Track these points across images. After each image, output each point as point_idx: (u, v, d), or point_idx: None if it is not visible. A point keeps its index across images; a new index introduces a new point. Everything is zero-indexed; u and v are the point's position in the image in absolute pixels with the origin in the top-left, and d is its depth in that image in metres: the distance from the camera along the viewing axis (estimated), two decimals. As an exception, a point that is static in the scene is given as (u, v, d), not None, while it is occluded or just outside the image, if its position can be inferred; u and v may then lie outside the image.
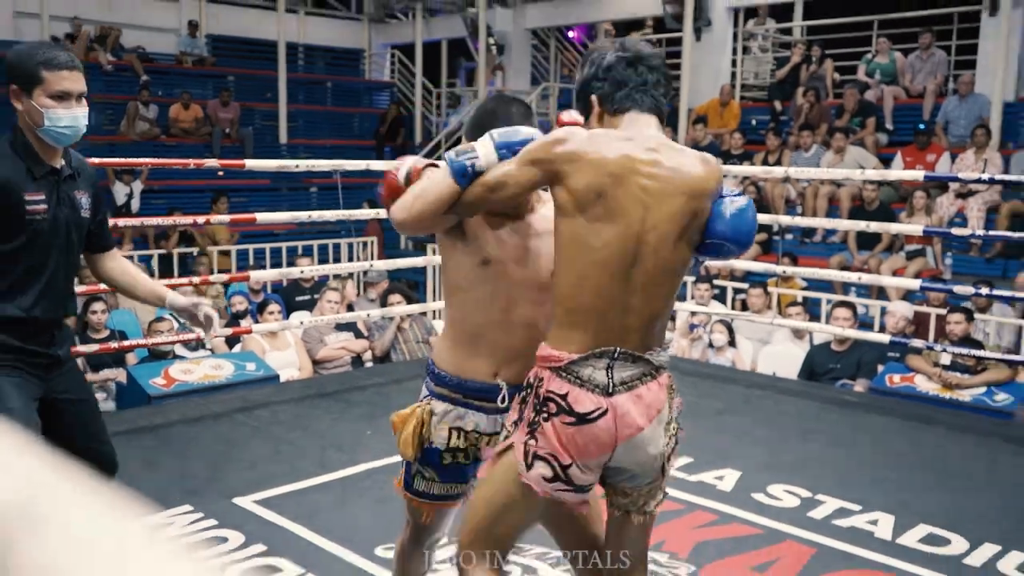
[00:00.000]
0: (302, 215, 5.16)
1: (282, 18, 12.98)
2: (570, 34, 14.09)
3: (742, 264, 6.34)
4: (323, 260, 8.41)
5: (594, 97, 1.85)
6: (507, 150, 1.78)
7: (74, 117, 2.30)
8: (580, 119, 1.91)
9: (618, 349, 1.73)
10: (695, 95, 10.58)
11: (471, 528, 1.85)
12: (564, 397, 1.70)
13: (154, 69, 11.99)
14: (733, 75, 10.89)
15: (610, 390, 1.71)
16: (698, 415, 4.33)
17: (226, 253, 8.24)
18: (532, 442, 1.72)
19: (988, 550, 2.94)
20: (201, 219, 4.83)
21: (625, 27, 12.86)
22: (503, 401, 1.90)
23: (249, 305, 5.95)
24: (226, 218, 4.45)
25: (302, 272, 5.81)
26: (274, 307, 5.77)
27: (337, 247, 8.85)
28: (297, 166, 5.29)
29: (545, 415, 1.71)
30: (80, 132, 2.33)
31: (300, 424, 4.12)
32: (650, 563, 2.80)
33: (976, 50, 9.08)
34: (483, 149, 1.79)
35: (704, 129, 9.91)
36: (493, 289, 1.88)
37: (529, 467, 1.73)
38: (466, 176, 1.78)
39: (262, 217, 4.89)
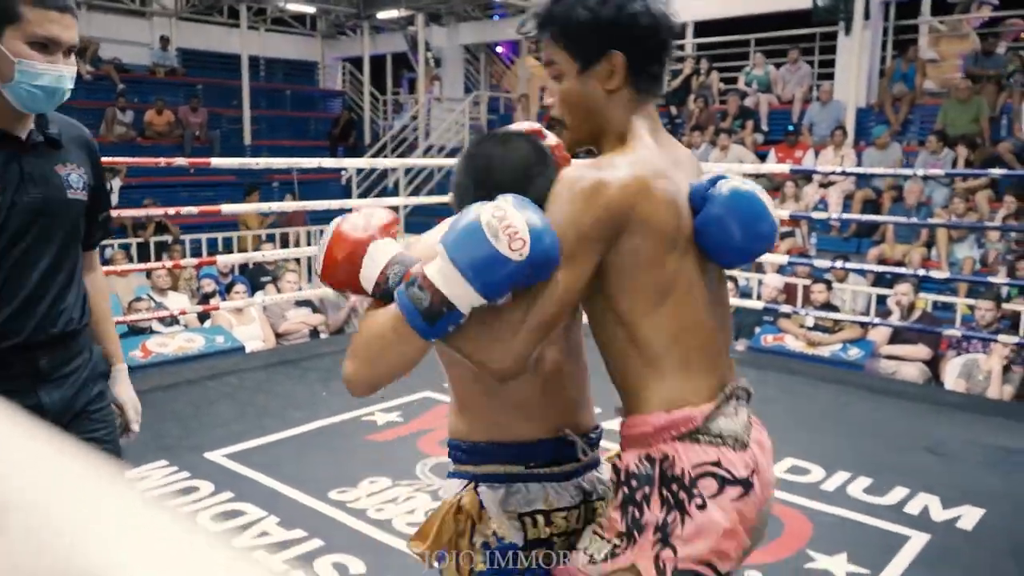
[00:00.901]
0: (263, 206, 5.03)
1: (245, 34, 12.64)
2: (498, 49, 14.00)
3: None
4: (284, 246, 8.24)
5: (620, 55, 1.12)
6: (476, 274, 1.00)
7: (58, 75, 1.42)
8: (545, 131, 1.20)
9: (736, 385, 1.18)
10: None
11: None
12: (718, 465, 1.09)
13: (130, 79, 11.56)
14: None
15: (747, 441, 1.13)
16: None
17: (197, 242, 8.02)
18: (669, 553, 1.06)
19: (840, 477, 3.05)
20: (172, 210, 4.69)
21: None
22: (585, 454, 1.24)
23: (218, 286, 5.81)
24: (195, 210, 4.32)
25: (264, 256, 5.69)
26: (240, 287, 5.64)
27: (297, 234, 8.68)
28: (258, 164, 5.16)
29: (699, 502, 1.06)
30: (62, 96, 1.46)
31: (264, 388, 4.05)
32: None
33: (834, 63, 9.29)
34: (441, 277, 1.02)
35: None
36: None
37: None
38: (428, 319, 1.03)
39: (227, 208, 4.77)
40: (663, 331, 1.12)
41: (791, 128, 8.76)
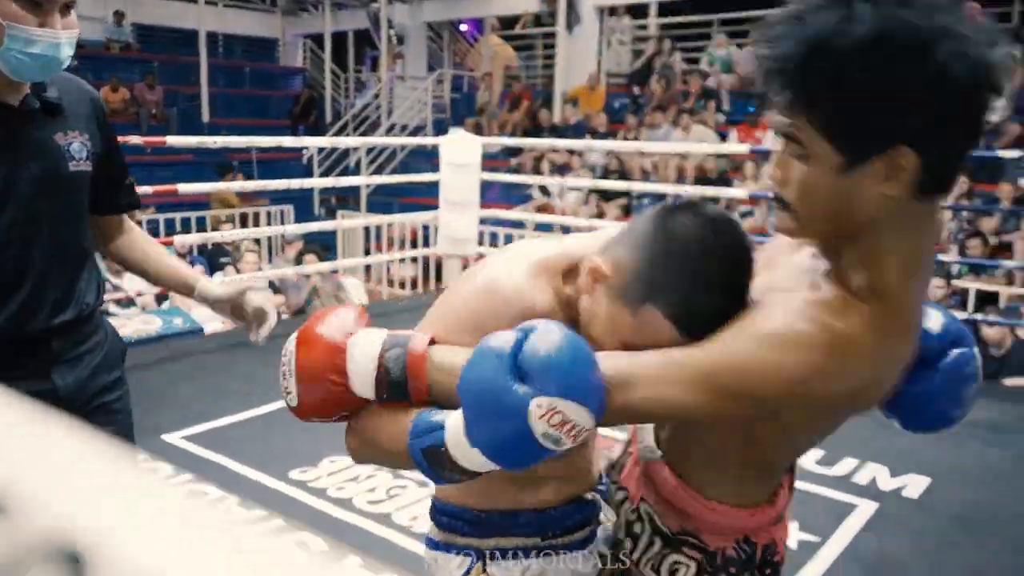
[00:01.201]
0: (220, 186, 4.98)
1: (202, 9, 12.38)
2: (462, 27, 13.91)
3: (606, 225, 6.46)
4: (244, 226, 8.16)
5: (911, 155, 0.76)
6: (509, 463, 0.81)
7: (54, 43, 1.22)
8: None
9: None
10: (568, 81, 10.63)
11: None
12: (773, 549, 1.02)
13: (83, 55, 11.25)
14: (599, 64, 10.97)
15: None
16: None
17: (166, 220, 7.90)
18: None
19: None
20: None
21: (509, 21, 12.78)
22: (605, 516, 1.07)
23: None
24: (149, 190, 4.26)
25: (223, 237, 5.63)
26: (199, 268, 5.58)
27: (256, 214, 8.60)
28: (216, 143, 5.09)
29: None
30: (59, 66, 1.26)
31: (223, 369, 4.03)
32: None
33: (795, 44, 9.39)
34: (466, 460, 0.82)
35: (575, 110, 10.00)
36: None
37: None
38: (442, 478, 0.87)
39: (184, 188, 4.71)
40: (792, 449, 1.00)
41: (751, 109, 8.85)
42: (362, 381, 0.89)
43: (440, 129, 10.13)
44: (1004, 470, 3.04)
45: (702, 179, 8.20)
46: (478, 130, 9.72)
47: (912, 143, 0.75)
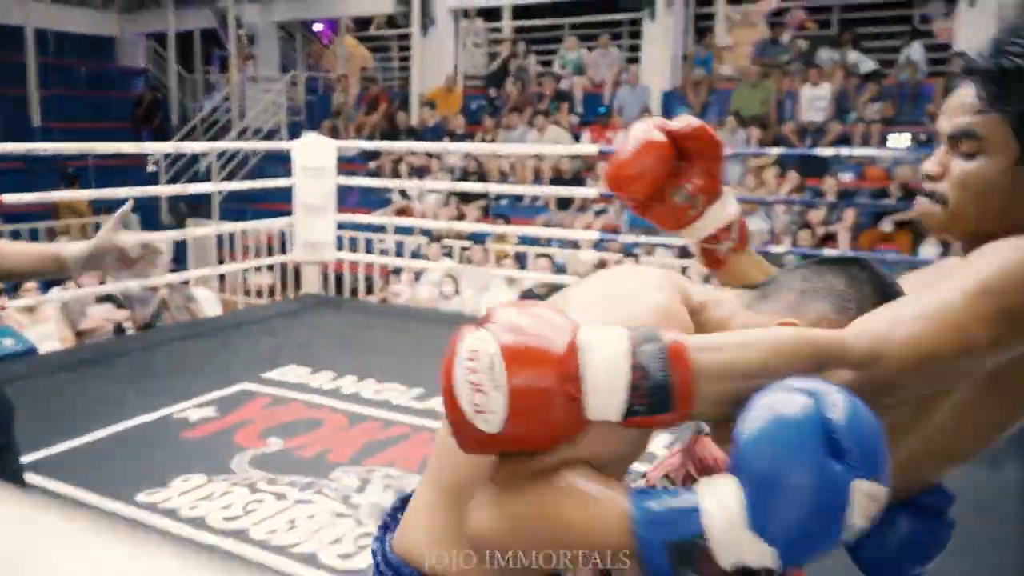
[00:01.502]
0: (54, 195, 4.69)
1: (29, 4, 11.52)
2: (316, 27, 13.63)
3: (466, 227, 6.54)
4: (85, 237, 7.68)
5: None
6: (796, 554, 0.65)
7: None
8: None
9: None
10: (425, 83, 10.65)
11: None
12: None
13: None
14: (456, 66, 11.06)
15: None
16: (430, 353, 4.48)
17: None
18: None
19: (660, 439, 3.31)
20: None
21: (363, 22, 12.65)
22: None
23: (4, 284, 5.34)
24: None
25: (59, 250, 5.29)
26: (31, 283, 5.22)
27: (97, 225, 8.12)
28: (46, 149, 4.79)
29: None
30: None
31: (61, 392, 3.80)
32: (385, 477, 2.91)
33: (641, 48, 9.83)
34: (732, 544, 0.65)
35: (433, 112, 10.04)
36: None
37: None
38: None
39: (10, 199, 4.40)
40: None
41: (603, 111, 9.19)
42: (609, 389, 0.68)
43: (295, 132, 9.90)
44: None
45: (557, 179, 8.44)
46: (335, 133, 9.58)
47: None
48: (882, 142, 7.80)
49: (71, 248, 1.49)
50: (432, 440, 3.19)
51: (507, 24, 11.58)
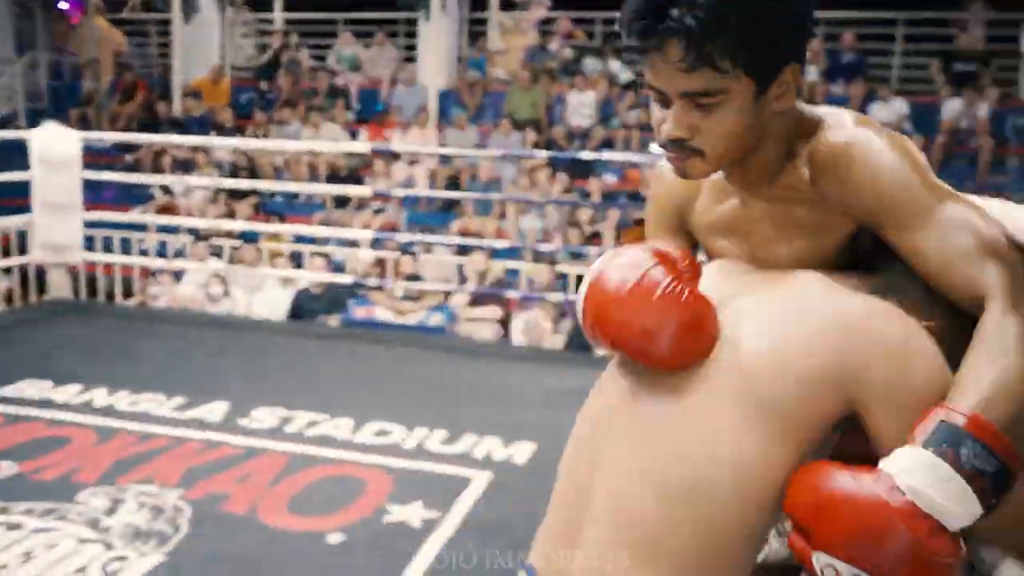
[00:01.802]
0: None
1: None
2: (61, 4, 12.30)
3: (237, 225, 6.22)
4: None
5: (796, 67, 0.90)
6: None
7: None
8: None
9: None
10: (188, 72, 9.99)
11: None
12: None
13: None
14: (223, 56, 10.47)
15: None
16: (193, 358, 4.21)
17: None
18: None
19: (420, 433, 3.32)
20: None
21: (114, 3, 11.61)
22: None
23: None
24: None
25: None
26: None
27: None
28: None
29: None
30: None
31: None
32: (140, 495, 2.69)
33: (417, 48, 9.87)
34: None
35: (198, 103, 9.45)
36: None
37: None
38: None
39: None
40: None
41: (379, 108, 9.12)
42: (965, 513, 0.70)
43: (35, 121, 8.89)
44: (593, 428, 3.54)
45: (334, 176, 8.27)
46: (84, 123, 8.74)
47: (796, 59, 0.89)
48: (642, 147, 8.40)
49: None
50: (199, 450, 2.98)
51: (278, 15, 11.15)
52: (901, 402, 0.77)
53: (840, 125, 0.92)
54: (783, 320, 0.84)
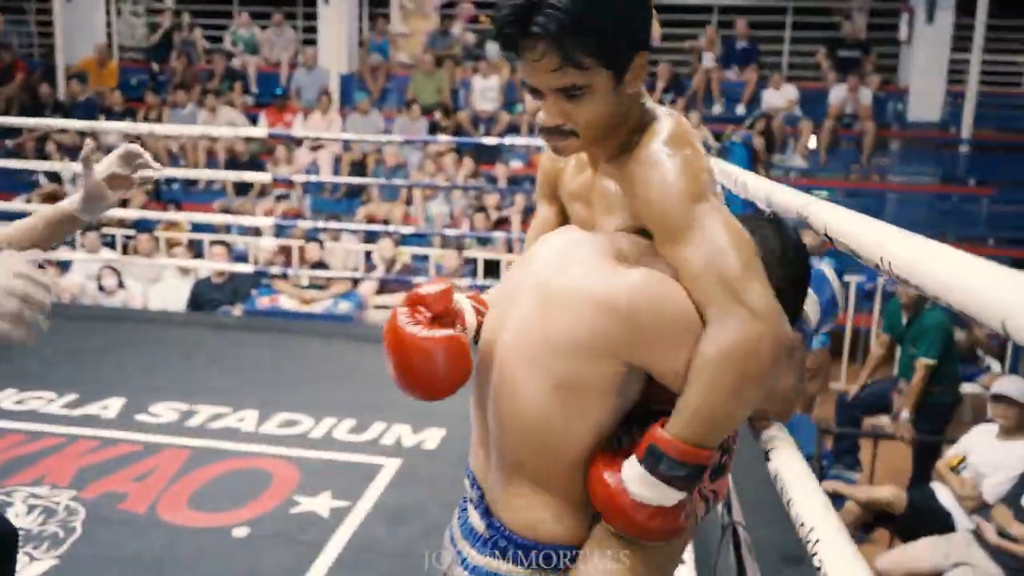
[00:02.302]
0: None
1: None
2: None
3: (131, 213, 5.95)
4: None
5: (645, 54, 1.03)
6: None
7: None
8: None
9: None
10: (72, 53, 9.45)
11: None
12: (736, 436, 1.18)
13: None
14: (110, 36, 9.96)
15: None
16: (84, 353, 4.01)
17: None
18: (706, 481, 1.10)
19: (328, 423, 3.27)
20: None
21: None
22: None
23: None
24: None
25: None
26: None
27: None
28: None
29: (727, 459, 1.13)
30: None
31: None
32: (29, 497, 2.56)
33: (317, 30, 9.63)
34: None
35: (84, 86, 8.96)
36: None
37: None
38: None
39: None
40: None
41: (279, 92, 8.87)
42: (666, 497, 0.96)
43: (-99, 103, 8.27)
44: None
45: (233, 162, 8.01)
46: (-44, 106, 8.16)
47: (643, 47, 1.02)
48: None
49: (72, 202, 1.46)
50: (93, 448, 2.87)
51: (170, -6, 10.67)
52: (662, 357, 0.97)
53: (655, 134, 1.04)
54: (578, 302, 0.99)
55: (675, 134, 1.03)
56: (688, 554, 1.99)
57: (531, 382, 1.02)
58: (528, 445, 1.04)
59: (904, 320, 4.61)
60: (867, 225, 0.80)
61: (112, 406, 3.33)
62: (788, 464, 0.96)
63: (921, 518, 3.62)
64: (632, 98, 1.05)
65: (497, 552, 1.08)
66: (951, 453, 3.79)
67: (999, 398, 3.56)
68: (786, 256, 1.09)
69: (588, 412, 1.01)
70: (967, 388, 4.96)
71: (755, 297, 0.90)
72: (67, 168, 7.58)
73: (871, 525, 3.90)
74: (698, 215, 0.96)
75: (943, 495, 3.67)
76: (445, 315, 1.09)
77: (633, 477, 0.97)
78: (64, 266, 5.78)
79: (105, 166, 1.49)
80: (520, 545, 1.06)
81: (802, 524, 0.80)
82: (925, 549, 3.36)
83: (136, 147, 1.51)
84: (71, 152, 8.22)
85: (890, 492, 3.75)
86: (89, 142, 1.52)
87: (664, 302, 0.96)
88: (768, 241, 1.10)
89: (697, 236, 0.95)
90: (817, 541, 0.76)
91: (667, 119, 1.06)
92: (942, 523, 3.55)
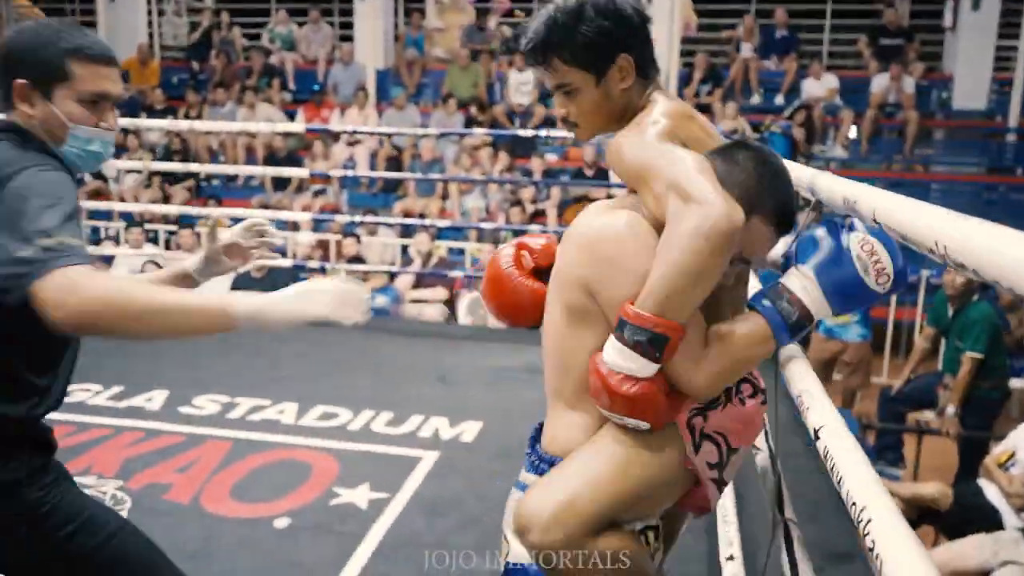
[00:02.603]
0: None
1: None
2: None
3: (173, 209, 6.04)
4: None
5: (627, 57, 1.24)
6: (838, 299, 1.11)
7: (109, 140, 1.36)
8: None
9: None
10: (115, 52, 9.62)
11: (612, 496, 1.14)
12: (753, 376, 1.25)
13: None
14: (152, 36, 10.12)
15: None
16: (129, 347, 4.09)
17: None
18: (700, 420, 1.18)
19: (365, 416, 3.29)
20: None
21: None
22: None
23: None
24: None
25: None
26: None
27: None
28: None
29: (740, 398, 1.21)
30: (106, 159, 1.39)
31: None
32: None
33: (353, 26, 9.69)
34: (807, 296, 1.11)
35: (127, 85, 9.13)
36: None
37: (697, 448, 1.19)
38: (792, 332, 1.12)
39: None
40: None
41: (317, 88, 8.94)
42: (633, 361, 1.08)
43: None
44: (538, 404, 3.55)
45: (271, 158, 8.10)
46: (5, 105, 8.35)
47: (625, 50, 1.24)
48: (546, 124, 8.41)
49: (193, 263, 1.59)
50: (138, 440, 2.90)
51: (209, -7, 10.82)
52: (610, 285, 1.15)
53: (636, 120, 1.24)
54: (569, 240, 1.22)
55: (652, 115, 1.22)
56: (736, 549, 1.96)
57: (553, 313, 1.22)
58: (556, 368, 1.23)
59: (950, 313, 4.50)
60: (920, 209, 0.77)
61: (156, 398, 3.39)
62: (838, 444, 0.93)
63: (967, 515, 3.53)
64: (625, 92, 1.26)
65: (530, 467, 1.25)
66: (999, 449, 3.69)
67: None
68: (745, 166, 1.17)
69: (588, 335, 1.17)
70: (1016, 383, 4.83)
71: (699, 190, 1.04)
72: (111, 165, 7.73)
73: (915, 523, 3.83)
74: (649, 163, 1.14)
75: (991, 492, 3.58)
76: (544, 263, 1.35)
77: (607, 348, 1.12)
78: (108, 262, 5.90)
79: (229, 235, 1.61)
80: (546, 460, 1.22)
81: (853, 504, 0.78)
82: (972, 547, 3.28)
83: (261, 220, 1.65)
84: (116, 150, 8.39)
85: (935, 489, 3.67)
86: (211, 214, 1.70)
87: (625, 242, 1.13)
88: (734, 157, 1.18)
89: (653, 177, 1.12)
90: (869, 521, 0.73)
91: (657, 105, 1.25)
92: (989, 521, 3.46)
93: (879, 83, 8.24)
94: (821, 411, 1.03)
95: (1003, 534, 3.32)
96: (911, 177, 8.20)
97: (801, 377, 1.18)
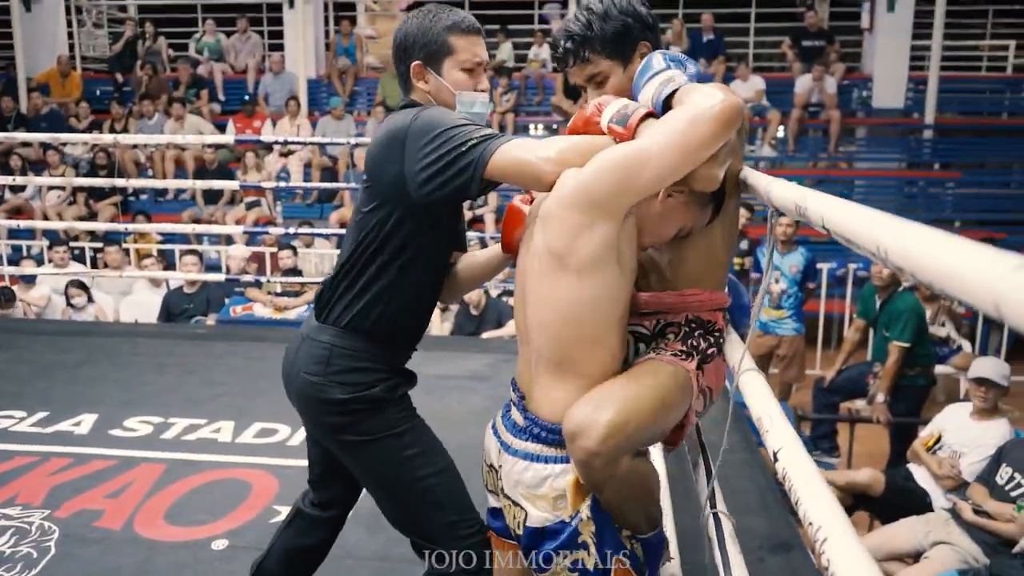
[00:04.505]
0: None
1: None
2: None
3: (99, 226, 5.85)
4: None
5: (647, 43, 1.46)
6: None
7: (487, 100, 1.58)
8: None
9: None
10: (32, 64, 9.29)
11: (652, 428, 1.27)
12: (722, 333, 1.46)
13: None
14: (72, 47, 9.80)
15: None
16: (54, 369, 3.94)
17: None
18: (700, 374, 1.34)
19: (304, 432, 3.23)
20: None
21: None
22: None
23: None
24: None
25: None
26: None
27: None
28: None
29: (715, 351, 1.40)
30: (487, 118, 1.61)
31: None
32: (2, 519, 2.50)
33: (283, 35, 9.54)
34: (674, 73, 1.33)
35: (45, 98, 8.82)
36: None
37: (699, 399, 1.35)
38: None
39: None
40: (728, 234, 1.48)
41: (247, 98, 8.78)
42: (608, 115, 1.33)
43: None
44: (481, 410, 3.54)
45: (202, 171, 7.92)
46: (-85, 122, 8.00)
47: (644, 38, 1.46)
48: (518, 130, 8.45)
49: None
50: (66, 466, 2.80)
51: (131, 3, 10.53)
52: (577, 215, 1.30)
53: None
54: (564, 193, 1.31)
55: None
56: (674, 550, 1.98)
57: (553, 278, 1.28)
58: (557, 334, 1.29)
59: (878, 304, 4.65)
60: (863, 214, 0.80)
61: (85, 422, 3.26)
62: (795, 462, 0.95)
63: (899, 499, 3.65)
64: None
65: (531, 438, 1.33)
66: (926, 433, 3.83)
67: (980, 381, 3.58)
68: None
69: (598, 283, 1.26)
70: (941, 369, 5.01)
71: (699, 98, 1.23)
72: (31, 182, 7.44)
73: (851, 509, 3.93)
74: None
75: (920, 475, 3.70)
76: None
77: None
78: (30, 280, 5.67)
79: None
80: (551, 429, 1.30)
81: (810, 523, 0.81)
82: (904, 529, 3.39)
83: None
84: (35, 165, 8.08)
85: (868, 475, 3.78)
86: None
87: (587, 176, 1.26)
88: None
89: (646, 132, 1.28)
90: (825, 540, 0.75)
91: None
92: (920, 503, 3.58)
93: (803, 84, 8.48)
94: (779, 434, 1.04)
95: (933, 515, 3.44)
96: (836, 174, 8.45)
97: (759, 399, 1.20)
